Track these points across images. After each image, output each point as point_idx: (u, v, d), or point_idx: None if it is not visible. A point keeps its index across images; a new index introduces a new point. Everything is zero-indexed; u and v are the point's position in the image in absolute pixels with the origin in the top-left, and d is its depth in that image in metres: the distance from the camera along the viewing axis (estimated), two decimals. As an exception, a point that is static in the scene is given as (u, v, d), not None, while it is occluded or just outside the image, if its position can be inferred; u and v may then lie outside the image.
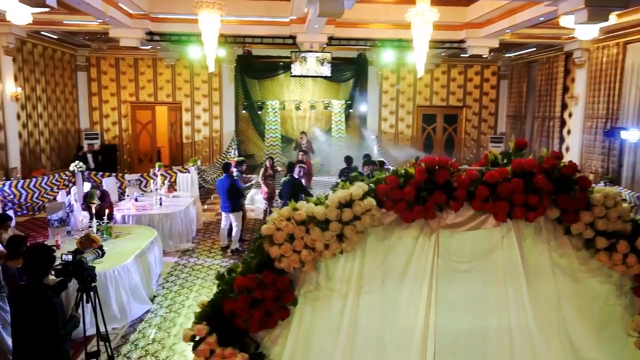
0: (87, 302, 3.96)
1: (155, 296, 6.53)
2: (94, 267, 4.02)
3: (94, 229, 6.62)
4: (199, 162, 12.08)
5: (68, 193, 9.37)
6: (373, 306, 3.09)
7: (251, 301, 2.88)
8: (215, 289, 3.10)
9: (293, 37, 11.77)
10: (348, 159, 10.35)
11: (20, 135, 12.15)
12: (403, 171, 2.98)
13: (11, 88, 11.49)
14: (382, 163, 9.81)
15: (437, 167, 2.94)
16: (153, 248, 6.85)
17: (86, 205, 7.54)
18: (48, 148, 13.65)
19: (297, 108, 16.31)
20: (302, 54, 12.36)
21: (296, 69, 12.68)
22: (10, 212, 8.55)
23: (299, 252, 2.90)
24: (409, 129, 16.90)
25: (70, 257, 3.78)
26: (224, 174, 8.34)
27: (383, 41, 12.34)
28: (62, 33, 13.08)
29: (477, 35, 11.47)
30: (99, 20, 10.55)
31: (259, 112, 16.59)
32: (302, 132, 14.24)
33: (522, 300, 3.06)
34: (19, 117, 12.11)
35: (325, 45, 12.18)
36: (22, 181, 8.94)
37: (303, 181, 8.62)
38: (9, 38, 11.16)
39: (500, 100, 17.00)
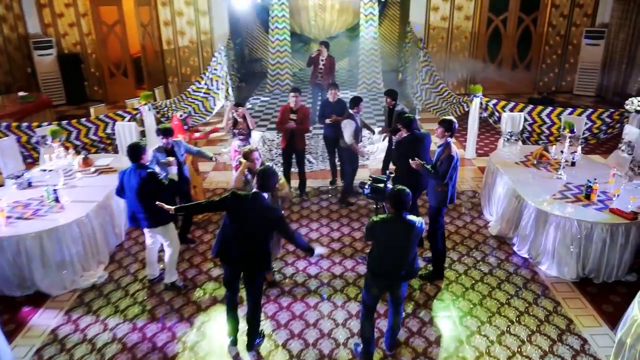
0: None
1: None
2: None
3: None
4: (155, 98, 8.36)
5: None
6: None
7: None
8: None
9: None
10: (356, 100, 6.31)
11: None
12: None
13: None
14: (404, 115, 5.25)
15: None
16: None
17: None
18: (-28, 69, 10.23)
19: (313, -4, 11.82)
20: None
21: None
22: None
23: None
24: (469, 21, 12.16)
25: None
26: (130, 164, 4.52)
27: None
28: None
29: None
30: None
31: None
32: (322, 43, 9.77)
33: None
34: None
35: None
36: None
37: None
38: None
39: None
